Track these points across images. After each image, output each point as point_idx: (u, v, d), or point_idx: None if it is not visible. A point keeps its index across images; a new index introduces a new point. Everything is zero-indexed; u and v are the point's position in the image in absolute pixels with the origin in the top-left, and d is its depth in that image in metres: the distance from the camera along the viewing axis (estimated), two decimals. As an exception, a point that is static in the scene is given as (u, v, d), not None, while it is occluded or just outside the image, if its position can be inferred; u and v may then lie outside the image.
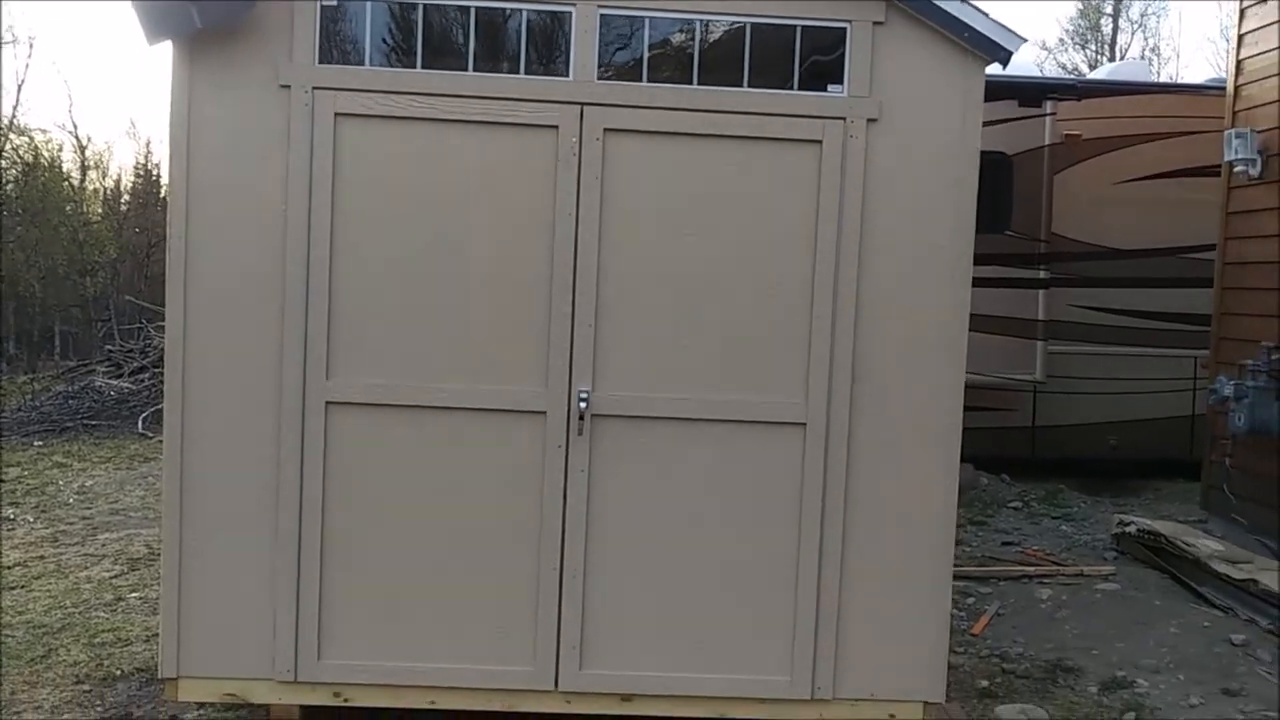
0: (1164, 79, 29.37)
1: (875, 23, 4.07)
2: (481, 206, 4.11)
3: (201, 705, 4.56)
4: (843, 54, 4.10)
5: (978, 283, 8.96)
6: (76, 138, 32.60)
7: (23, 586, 6.65)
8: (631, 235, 4.12)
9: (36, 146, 30.36)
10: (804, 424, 4.16)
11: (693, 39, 4.15)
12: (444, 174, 4.10)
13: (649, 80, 4.14)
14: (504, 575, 4.19)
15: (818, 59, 4.14)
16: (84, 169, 32.96)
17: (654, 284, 4.14)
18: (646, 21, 4.12)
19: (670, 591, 4.22)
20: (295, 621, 4.14)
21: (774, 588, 4.22)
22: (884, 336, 4.16)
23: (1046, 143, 9.26)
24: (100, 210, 31.88)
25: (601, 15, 4.07)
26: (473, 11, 4.10)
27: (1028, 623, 5.95)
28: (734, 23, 4.13)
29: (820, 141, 4.09)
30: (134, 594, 6.42)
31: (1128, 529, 7.19)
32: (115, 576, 6.86)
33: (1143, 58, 31.61)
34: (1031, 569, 6.81)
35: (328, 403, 4.11)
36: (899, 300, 4.16)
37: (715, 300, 4.15)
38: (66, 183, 32.13)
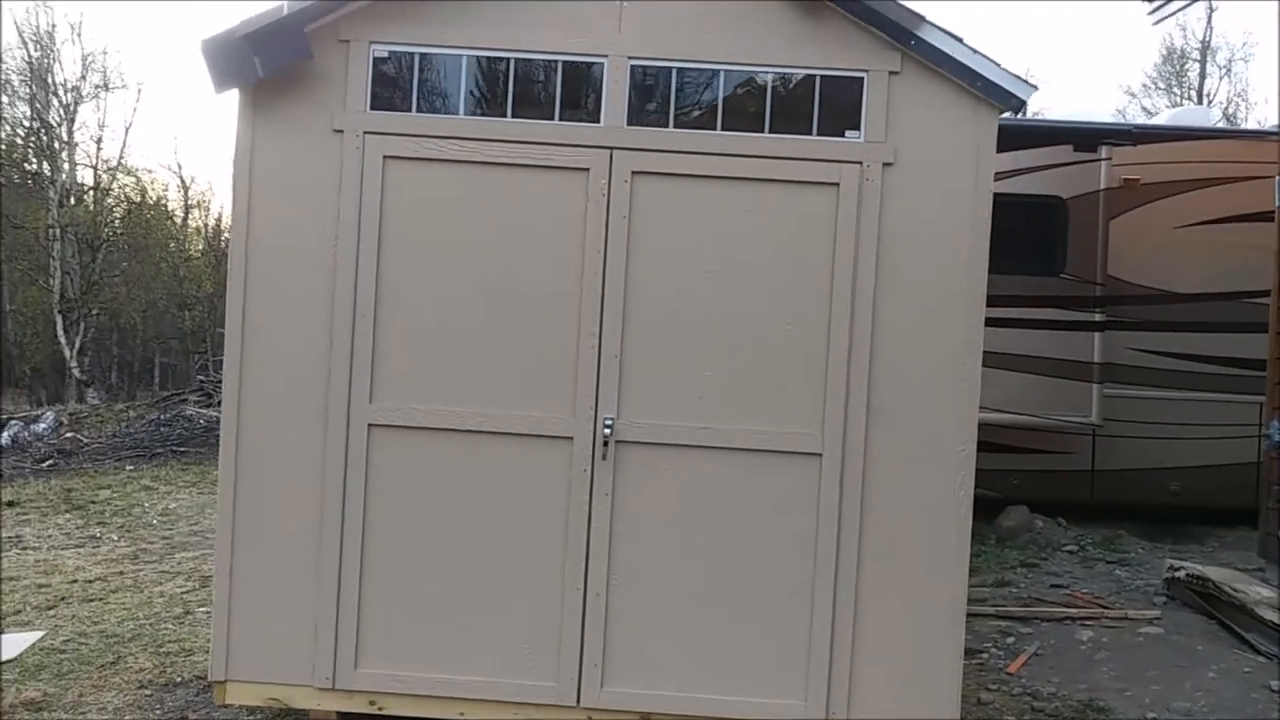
0: (1252, 125, 28.84)
1: (891, 72, 4.26)
2: (516, 243, 4.38)
3: (252, 711, 4.83)
4: (860, 101, 4.30)
5: (1031, 324, 9.08)
6: (181, 178, 34.15)
7: (100, 599, 7.06)
8: (656, 271, 4.34)
9: (143, 186, 31.91)
10: (820, 454, 4.32)
11: (717, 87, 4.39)
12: (482, 212, 4.38)
13: (675, 126, 4.38)
14: (531, 594, 4.41)
15: (836, 106, 4.34)
16: (187, 208, 34.49)
17: (677, 317, 4.35)
18: (674, 71, 4.37)
19: (690, 614, 4.39)
20: (335, 632, 4.41)
21: (790, 614, 4.36)
22: (899, 370, 4.31)
23: (1102, 187, 9.26)
24: (201, 247, 33.27)
25: (631, 65, 4.33)
26: (512, 62, 4.39)
27: (1065, 663, 5.95)
28: (756, 72, 4.36)
29: (838, 184, 4.28)
30: (202, 608, 6.76)
31: (1178, 574, 7.13)
32: (187, 592, 7.24)
33: (1229, 103, 31.09)
34: (1075, 611, 6.79)
35: (370, 425, 4.39)
36: (914, 335, 4.30)
37: (736, 333, 4.35)
38: (170, 221, 33.63)
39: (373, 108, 4.38)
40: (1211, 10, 30.75)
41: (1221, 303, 9.42)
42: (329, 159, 4.36)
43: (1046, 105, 31.03)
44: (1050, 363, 9.21)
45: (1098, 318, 9.31)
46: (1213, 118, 14.34)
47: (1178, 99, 31.97)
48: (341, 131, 4.35)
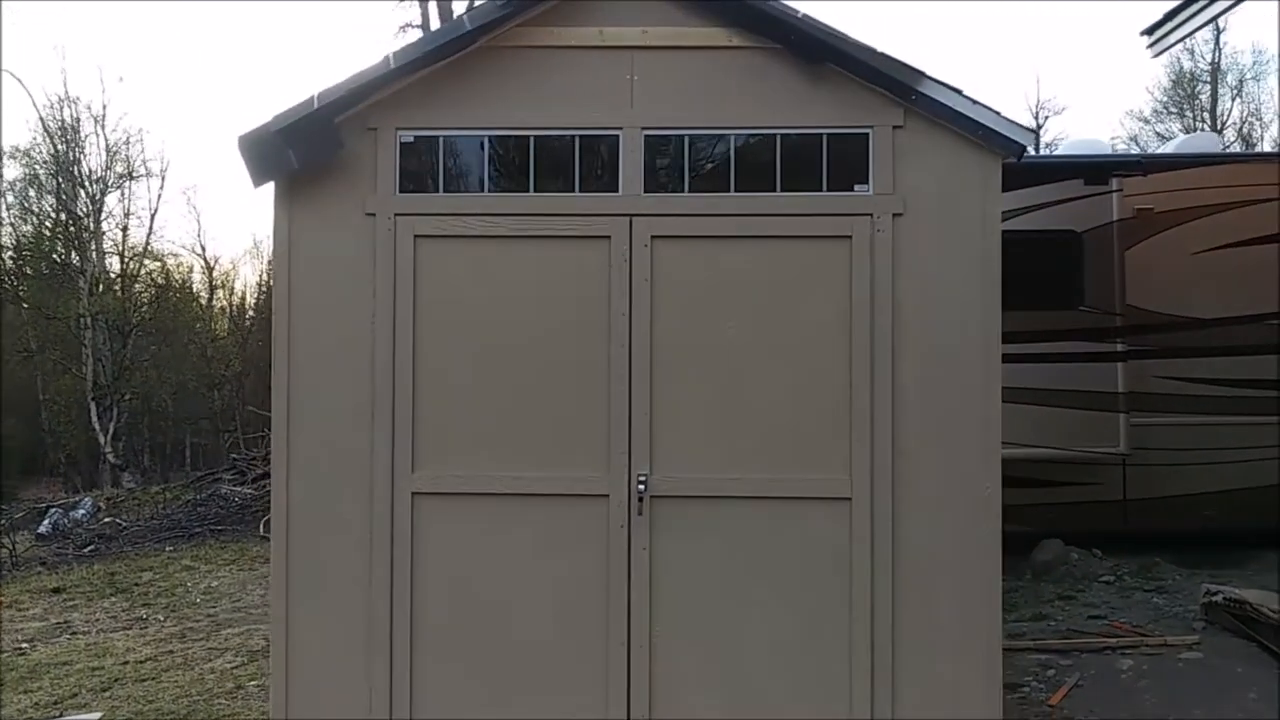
0: (1268, 145, 28.90)
1: (895, 127, 4.45)
2: (544, 310, 4.56)
3: (309, 777, 4.95)
4: (867, 156, 4.47)
5: (1055, 358, 9.14)
6: (205, 260, 34.73)
7: (153, 679, 7.20)
8: (680, 329, 4.51)
9: (168, 270, 32.53)
10: (849, 499, 4.44)
11: (729, 150, 4.58)
12: (510, 283, 4.57)
13: (690, 190, 4.57)
14: (576, 649, 4.52)
15: (844, 161, 4.52)
16: (212, 288, 35.06)
17: (703, 373, 4.51)
18: (686, 138, 4.57)
19: (730, 662, 4.49)
20: (389, 695, 4.54)
21: (829, 656, 4.46)
22: (921, 413, 4.44)
23: (1115, 218, 9.37)
24: (226, 326, 33.77)
25: (645, 136, 4.54)
26: (531, 139, 4.60)
27: (1107, 692, 5.98)
28: (765, 135, 4.55)
29: (850, 237, 4.45)
30: (253, 683, 6.90)
31: (1215, 598, 7.14)
32: (236, 667, 7.37)
33: (1243, 124, 31.18)
34: (1114, 640, 6.81)
35: (414, 493, 4.55)
36: (933, 378, 4.44)
37: (761, 386, 4.50)
38: (195, 302, 34.19)
39: (401, 190, 4.60)
40: (1219, 31, 30.95)
41: (1245, 326, 9.45)
42: (363, 240, 4.57)
43: (1064, 133, 31.25)
44: (1076, 395, 9.27)
45: (1120, 348, 9.37)
46: (1221, 143, 14.45)
47: (1190, 122, 32.06)
48: (374, 214, 4.56)
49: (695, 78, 4.53)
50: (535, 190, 4.60)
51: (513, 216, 4.55)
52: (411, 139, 4.61)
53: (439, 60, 4.53)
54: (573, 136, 4.59)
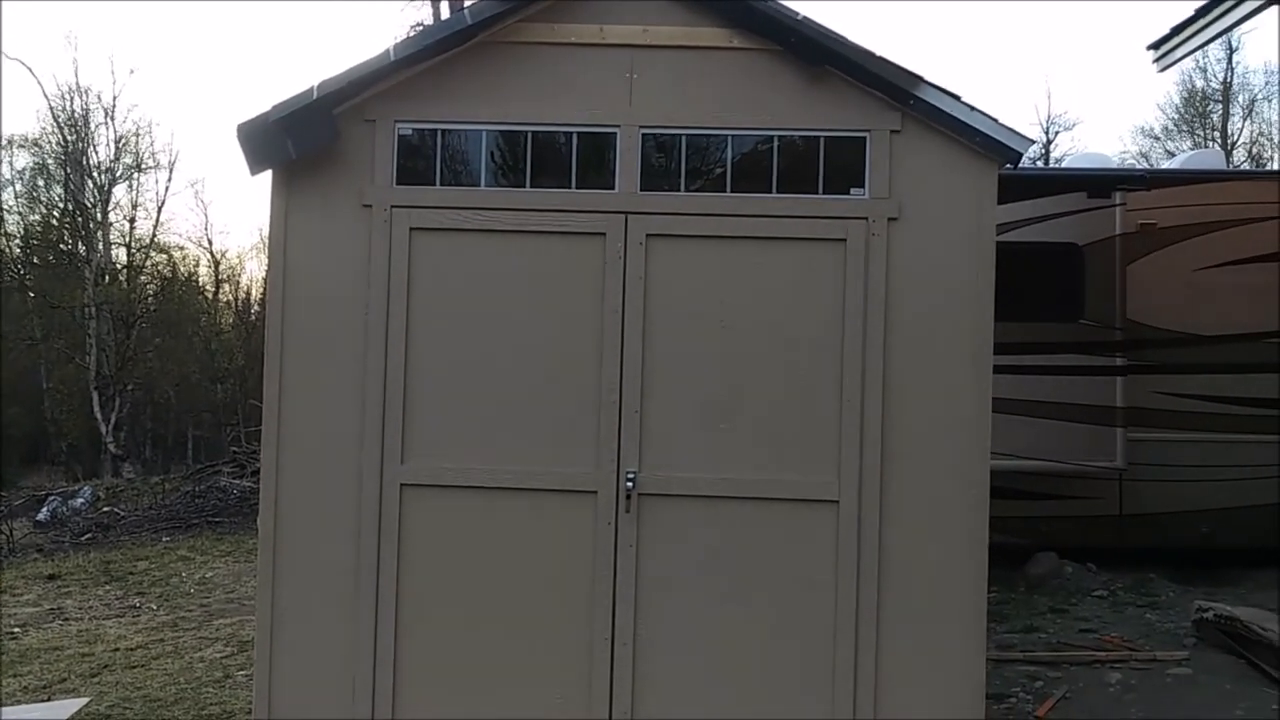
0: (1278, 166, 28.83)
1: (892, 131, 4.45)
2: (538, 306, 4.56)
3: (292, 767, 4.95)
4: (864, 159, 4.48)
5: (1053, 370, 9.12)
6: (211, 254, 34.81)
7: (143, 666, 7.22)
8: (673, 328, 4.51)
9: (174, 263, 32.64)
10: (837, 501, 4.44)
11: (726, 150, 4.58)
12: (504, 278, 4.57)
13: (686, 189, 4.57)
14: (561, 643, 4.52)
15: (841, 164, 4.52)
16: (218, 282, 35.16)
17: (694, 372, 4.51)
18: (683, 138, 4.57)
19: (715, 659, 4.49)
20: (372, 683, 4.54)
21: (814, 657, 4.45)
22: (910, 417, 4.43)
23: (1118, 232, 9.36)
24: (231, 320, 33.86)
25: (643, 134, 4.54)
26: (529, 134, 4.61)
27: (1094, 705, 5.97)
28: (763, 136, 4.55)
29: (844, 240, 4.45)
30: (242, 672, 6.90)
31: (1206, 615, 7.12)
32: (226, 657, 7.38)
33: (1254, 144, 31.13)
34: (1103, 654, 6.80)
35: (402, 485, 4.56)
36: (923, 383, 4.44)
37: (751, 386, 4.50)
38: (201, 295, 34.30)
39: (398, 182, 4.60)
40: (1231, 51, 30.92)
41: (1244, 344, 9.43)
42: (359, 232, 4.57)
43: (1074, 148, 31.23)
44: (1074, 408, 9.24)
45: (1119, 362, 9.35)
46: (1226, 160, 14.42)
47: (1201, 141, 32.02)
48: (370, 206, 4.57)
49: (695, 77, 4.54)
50: (532, 186, 4.61)
51: (509, 211, 4.56)
52: (409, 131, 4.62)
53: (439, 54, 4.54)
54: (571, 133, 4.60)
